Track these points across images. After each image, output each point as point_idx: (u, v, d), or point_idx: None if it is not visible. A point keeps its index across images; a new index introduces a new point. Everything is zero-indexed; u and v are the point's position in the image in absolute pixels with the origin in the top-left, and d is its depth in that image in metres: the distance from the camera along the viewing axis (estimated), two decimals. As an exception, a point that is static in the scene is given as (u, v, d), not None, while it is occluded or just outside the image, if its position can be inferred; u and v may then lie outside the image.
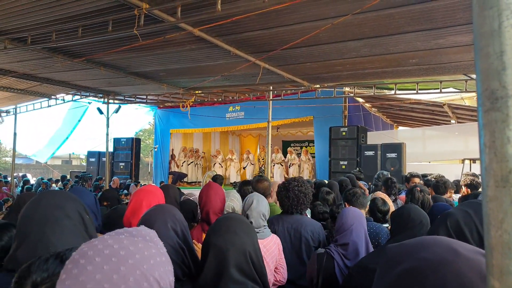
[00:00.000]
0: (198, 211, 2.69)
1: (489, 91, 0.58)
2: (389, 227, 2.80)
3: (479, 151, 0.62)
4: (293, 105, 11.30)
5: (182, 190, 3.33)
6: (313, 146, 13.90)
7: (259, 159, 16.15)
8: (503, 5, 0.58)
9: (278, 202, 2.75)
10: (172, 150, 15.66)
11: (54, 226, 1.10)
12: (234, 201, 2.62)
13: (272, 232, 2.44)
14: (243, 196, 3.28)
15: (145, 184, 11.32)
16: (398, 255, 0.72)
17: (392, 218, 2.25)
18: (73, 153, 22.07)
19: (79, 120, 13.81)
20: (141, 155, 19.94)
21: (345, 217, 2.28)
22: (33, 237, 1.08)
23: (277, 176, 14.68)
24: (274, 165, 14.81)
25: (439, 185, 4.12)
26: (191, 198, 3.16)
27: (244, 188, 3.65)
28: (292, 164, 14.50)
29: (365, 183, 6.63)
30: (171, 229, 1.47)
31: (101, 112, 10.65)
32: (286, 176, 14.51)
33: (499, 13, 0.58)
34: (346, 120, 10.83)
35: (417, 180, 4.47)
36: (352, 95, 9.06)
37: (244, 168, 16.04)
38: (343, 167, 9.71)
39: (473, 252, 0.69)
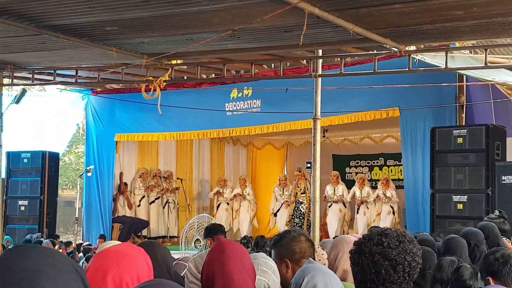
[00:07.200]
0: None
1: None
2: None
3: None
4: (362, 86, 9.00)
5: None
6: (396, 165, 12.65)
7: (296, 193, 12.52)
8: None
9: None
10: (121, 174, 12.68)
11: None
12: (267, 274, 2.50)
13: None
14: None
15: (72, 243, 10.90)
16: None
17: None
18: None
19: None
20: (60, 183, 16.29)
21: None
22: None
23: (333, 226, 11.85)
24: (330, 206, 12.17)
25: None
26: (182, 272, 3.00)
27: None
28: (363, 201, 11.42)
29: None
30: None
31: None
32: (349, 231, 11.26)
33: None
34: (464, 115, 9.10)
35: None
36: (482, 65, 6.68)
37: (275, 213, 12.64)
38: (460, 207, 8.24)
39: None
